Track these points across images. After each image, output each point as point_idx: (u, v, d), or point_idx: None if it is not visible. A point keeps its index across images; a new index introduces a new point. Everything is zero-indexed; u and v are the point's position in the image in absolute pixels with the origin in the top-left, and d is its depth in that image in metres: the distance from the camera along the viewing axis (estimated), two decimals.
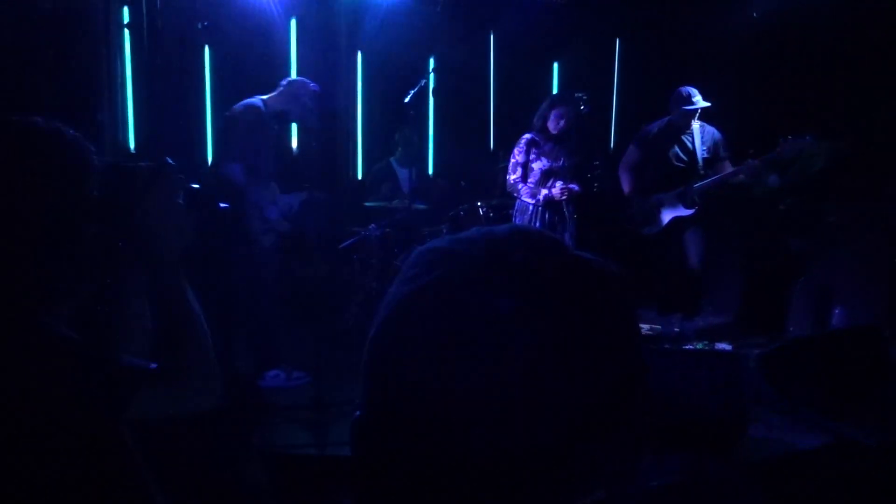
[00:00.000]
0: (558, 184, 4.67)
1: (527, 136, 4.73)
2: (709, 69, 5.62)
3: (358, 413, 0.61)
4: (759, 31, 5.71)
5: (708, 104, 4.82)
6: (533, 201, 4.71)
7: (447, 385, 0.54)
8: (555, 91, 6.74)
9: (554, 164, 4.69)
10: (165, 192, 1.24)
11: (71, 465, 1.13)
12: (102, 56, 4.80)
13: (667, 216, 4.88)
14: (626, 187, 5.05)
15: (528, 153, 4.71)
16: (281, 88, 4.18)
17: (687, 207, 4.83)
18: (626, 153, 5.12)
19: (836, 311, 4.99)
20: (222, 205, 1.44)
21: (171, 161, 1.28)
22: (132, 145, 5.32)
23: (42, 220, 1.16)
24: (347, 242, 5.27)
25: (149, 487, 1.24)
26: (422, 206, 5.34)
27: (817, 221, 5.35)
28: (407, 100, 4.66)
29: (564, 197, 4.66)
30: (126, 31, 5.19)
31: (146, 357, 1.23)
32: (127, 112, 5.25)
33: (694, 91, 4.84)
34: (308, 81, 4.22)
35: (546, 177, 4.70)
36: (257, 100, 4.10)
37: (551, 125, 4.63)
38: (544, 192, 4.67)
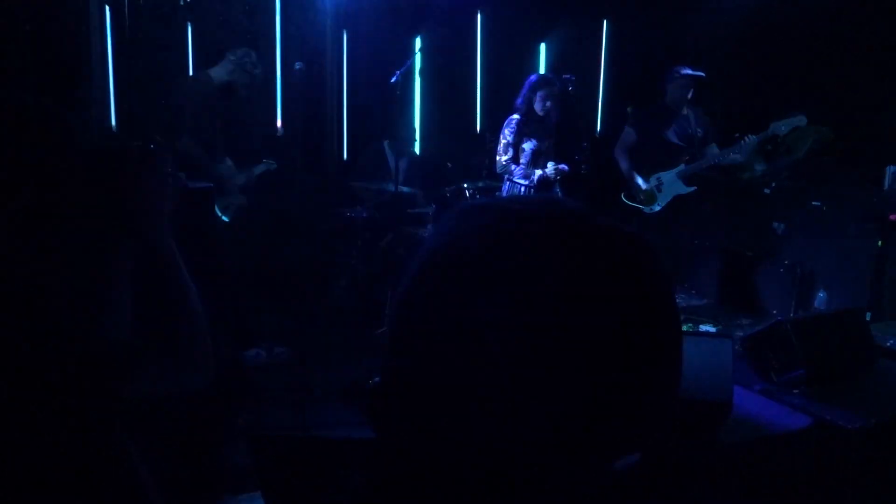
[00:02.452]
0: (550, 164, 4.65)
1: (515, 116, 4.70)
2: (697, 52, 5.61)
3: (377, 379, 0.58)
4: (749, 13, 5.69)
5: (701, 73, 4.89)
6: (526, 182, 4.69)
7: (477, 348, 0.50)
8: (542, 72, 6.69)
9: (541, 145, 4.67)
10: (156, 172, 1.23)
11: (62, 447, 1.12)
12: (82, 33, 4.70)
13: (668, 195, 4.93)
14: (624, 168, 5.08)
15: (519, 133, 4.68)
16: (225, 59, 4.18)
17: (687, 185, 4.91)
18: (622, 135, 5.17)
19: (820, 295, 5.03)
20: (202, 184, 1.43)
21: (161, 141, 1.27)
22: (113, 123, 5.23)
23: (27, 197, 1.13)
24: (332, 224, 5.24)
25: (140, 471, 1.22)
26: (408, 190, 5.32)
27: (801, 205, 5.38)
28: (393, 80, 4.61)
29: (558, 177, 4.65)
30: (107, 8, 5.09)
31: (135, 338, 1.22)
32: (108, 90, 5.15)
33: (686, 67, 4.96)
34: (252, 52, 4.20)
35: (536, 157, 4.68)
36: (201, 72, 4.09)
37: (537, 107, 4.60)
38: (539, 172, 4.65)
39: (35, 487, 1.10)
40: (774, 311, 5.05)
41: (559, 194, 4.68)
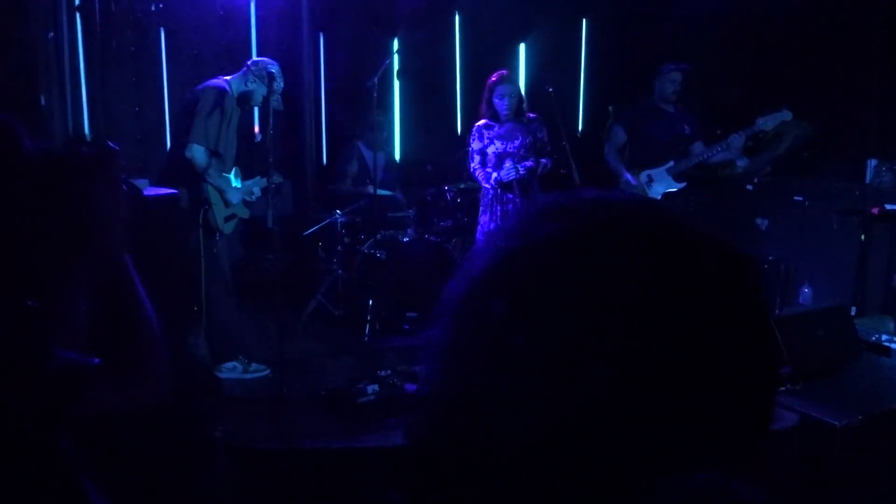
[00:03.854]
0: (506, 164, 4.56)
1: (479, 123, 4.68)
2: (677, 50, 5.58)
3: (427, 388, 0.52)
4: (729, 10, 5.67)
5: (687, 66, 4.95)
6: (490, 185, 4.65)
7: (555, 355, 0.45)
8: (522, 72, 6.66)
9: (509, 146, 4.59)
10: (109, 178, 1.18)
11: (3, 475, 1.05)
12: (49, 40, 4.61)
13: (658, 191, 4.92)
14: (614, 166, 5.06)
15: (482, 138, 4.64)
16: (245, 69, 4.07)
17: (677, 181, 4.91)
18: (610, 134, 5.14)
19: (804, 290, 5.01)
20: (170, 190, 1.38)
21: (113, 145, 1.20)
22: (87, 131, 5.14)
23: None
24: (312, 229, 5.16)
25: (87, 496, 1.16)
26: (387, 193, 5.26)
27: (784, 201, 5.37)
28: (369, 83, 4.56)
29: (513, 177, 4.54)
30: (77, 15, 5.00)
31: (86, 353, 1.15)
32: (80, 98, 5.06)
33: (670, 63, 4.99)
34: (272, 62, 4.09)
35: (500, 160, 4.61)
36: (222, 81, 3.99)
37: (499, 107, 4.54)
38: (494, 175, 4.60)
39: None
40: None
41: (535, 191, 4.63)
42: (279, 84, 4.01)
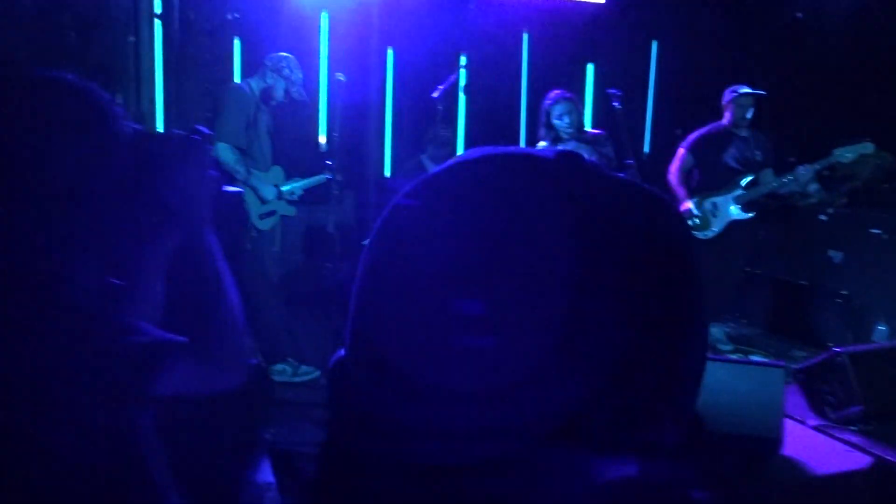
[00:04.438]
0: None
1: (541, 144, 4.65)
2: (749, 74, 5.43)
3: (341, 352, 0.53)
4: (803, 33, 5.50)
5: (762, 92, 4.74)
6: None
7: (447, 310, 0.44)
8: (589, 92, 6.60)
9: None
10: (199, 162, 1.21)
11: (84, 444, 1.06)
12: (130, 45, 4.78)
13: (724, 220, 4.75)
14: (680, 192, 4.90)
15: None
16: (262, 67, 4.16)
17: (745, 211, 4.72)
18: (677, 158, 4.99)
19: (880, 328, 4.77)
20: (234, 189, 1.39)
21: (205, 130, 1.23)
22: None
23: (68, 180, 1.08)
24: (370, 238, 5.18)
25: (167, 475, 1.17)
26: None
27: (860, 233, 5.14)
28: (436, 94, 4.57)
29: None
30: (157, 22, 5.18)
31: (166, 333, 1.16)
32: (156, 103, 5.23)
33: (745, 85, 4.80)
34: (286, 55, 4.17)
35: None
36: (242, 81, 4.13)
37: (560, 125, 4.47)
38: None
39: (54, 485, 1.05)
40: (830, 344, 4.80)
41: None
42: (296, 74, 4.09)
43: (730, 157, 4.80)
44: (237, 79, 5.68)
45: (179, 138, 1.20)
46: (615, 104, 4.52)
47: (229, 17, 5.20)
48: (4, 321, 1.05)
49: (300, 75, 4.15)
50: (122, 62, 4.69)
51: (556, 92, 4.53)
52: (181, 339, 1.13)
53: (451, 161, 0.52)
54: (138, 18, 4.86)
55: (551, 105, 4.50)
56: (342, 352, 0.52)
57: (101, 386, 1.05)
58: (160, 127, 5.26)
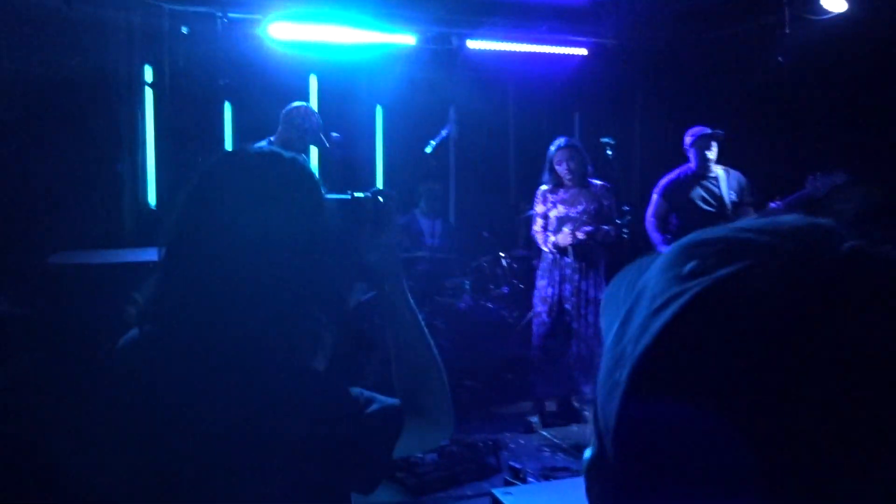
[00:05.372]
0: (564, 229, 4.55)
1: (542, 188, 4.69)
2: (732, 117, 5.53)
3: (590, 451, 0.48)
4: (785, 77, 5.63)
5: (720, 132, 4.77)
6: (548, 249, 4.65)
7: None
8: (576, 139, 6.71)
9: (571, 211, 4.58)
10: (389, 219, 1.25)
11: None
12: (124, 113, 4.83)
13: None
14: (655, 238, 4.91)
15: (545, 202, 4.67)
16: (280, 123, 4.25)
17: None
18: (651, 204, 5.00)
19: None
20: None
21: (390, 192, 1.28)
22: (153, 201, 5.31)
23: (302, 259, 1.10)
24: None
25: None
26: (443, 256, 5.25)
27: None
28: (428, 150, 4.63)
29: (569, 242, 4.51)
30: (148, 90, 5.25)
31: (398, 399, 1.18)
32: (146, 167, 5.26)
33: (699, 126, 4.85)
34: (301, 105, 4.24)
35: (561, 224, 4.60)
36: (264, 141, 4.19)
37: (560, 171, 4.57)
38: (552, 238, 4.58)
39: None
40: None
41: (596, 257, 4.59)
42: (309, 122, 4.14)
43: (697, 197, 4.81)
44: (228, 144, 5.73)
45: (373, 198, 1.24)
46: (609, 153, 4.59)
47: (220, 82, 5.26)
48: (262, 394, 1.03)
49: (314, 122, 4.20)
50: (116, 128, 4.74)
51: (561, 139, 4.64)
52: (397, 401, 1.14)
53: None
54: (131, 86, 4.92)
55: (554, 152, 4.60)
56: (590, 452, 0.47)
57: (359, 458, 1.07)
58: (153, 193, 5.28)
